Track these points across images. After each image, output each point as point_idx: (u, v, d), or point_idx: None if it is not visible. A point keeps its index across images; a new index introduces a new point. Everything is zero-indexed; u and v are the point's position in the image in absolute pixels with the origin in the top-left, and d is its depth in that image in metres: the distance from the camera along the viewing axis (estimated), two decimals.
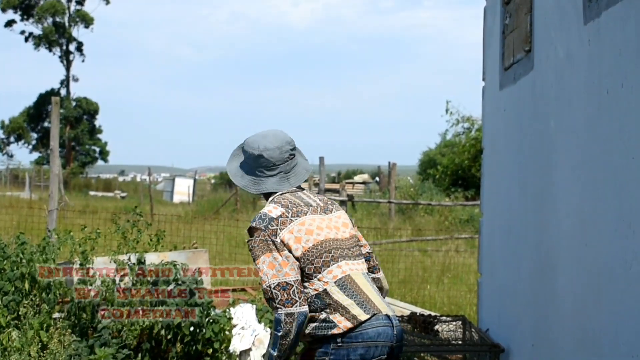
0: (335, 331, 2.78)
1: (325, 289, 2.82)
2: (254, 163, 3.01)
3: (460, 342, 5.19)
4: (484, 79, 5.91)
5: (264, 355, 2.87)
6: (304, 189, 3.08)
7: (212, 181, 47.46)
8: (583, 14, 3.40)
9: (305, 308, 2.76)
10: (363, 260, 3.02)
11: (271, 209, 2.90)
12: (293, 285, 2.76)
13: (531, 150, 4.39)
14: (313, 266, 2.83)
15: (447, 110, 26.41)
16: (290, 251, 2.82)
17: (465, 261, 12.62)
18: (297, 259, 2.83)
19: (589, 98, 3.33)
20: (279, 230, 2.84)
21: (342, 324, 2.78)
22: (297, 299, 2.75)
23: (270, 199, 3.00)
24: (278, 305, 2.76)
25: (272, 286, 2.76)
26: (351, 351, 2.77)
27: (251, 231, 2.87)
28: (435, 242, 15.22)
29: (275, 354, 2.78)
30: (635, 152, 2.79)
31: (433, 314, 6.26)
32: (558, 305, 3.79)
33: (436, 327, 5.42)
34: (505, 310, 5.02)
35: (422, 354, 5.52)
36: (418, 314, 5.68)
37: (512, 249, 4.83)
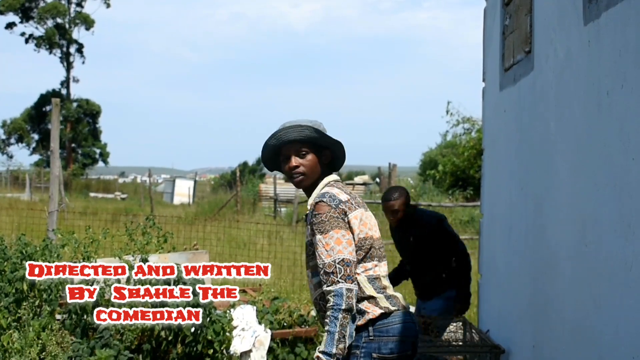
0: (368, 317, 2.85)
1: (357, 280, 2.89)
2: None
3: (460, 343, 5.19)
4: (484, 80, 5.91)
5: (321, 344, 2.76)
6: None
7: (212, 182, 47.47)
8: (583, 14, 3.40)
9: (355, 287, 2.77)
10: (386, 262, 3.10)
11: (338, 192, 2.92)
12: (353, 265, 2.79)
13: (531, 151, 4.39)
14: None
15: (447, 111, 26.39)
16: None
17: None
18: None
19: (589, 99, 3.34)
20: (348, 212, 2.88)
21: (371, 309, 2.87)
22: (354, 279, 2.78)
23: (326, 182, 3.00)
24: (340, 280, 2.75)
25: (337, 261, 2.77)
26: (382, 345, 2.86)
27: (319, 206, 2.87)
28: None
29: (337, 330, 2.70)
30: (635, 153, 2.79)
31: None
32: (558, 306, 3.79)
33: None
34: (506, 311, 5.02)
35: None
36: (418, 315, 5.68)
37: (513, 250, 4.83)
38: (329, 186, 2.98)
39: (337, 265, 2.76)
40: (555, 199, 3.89)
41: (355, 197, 3.01)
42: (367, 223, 2.95)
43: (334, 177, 3.05)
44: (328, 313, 2.74)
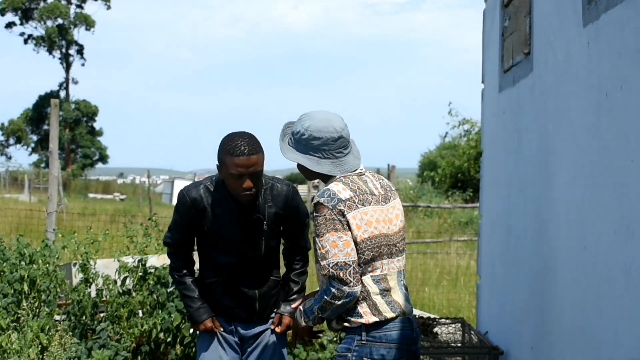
0: (362, 321, 2.84)
1: (361, 279, 2.87)
2: (333, 145, 2.93)
3: (459, 345, 5.19)
4: (483, 82, 5.91)
5: (303, 305, 3.03)
6: (366, 172, 3.02)
7: None
8: (582, 16, 3.40)
9: (357, 289, 2.82)
10: (404, 256, 3.04)
11: (340, 190, 2.87)
12: (351, 266, 2.80)
13: (530, 152, 4.39)
14: (363, 257, 2.85)
15: (449, 112, 26.35)
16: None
17: (464, 263, 12.62)
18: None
19: (588, 101, 3.34)
20: (346, 212, 2.82)
21: (368, 316, 2.85)
22: (352, 279, 2.80)
23: (337, 177, 2.94)
24: (333, 282, 2.80)
25: (331, 265, 2.79)
26: (374, 350, 2.85)
27: (318, 207, 2.85)
28: (434, 244, 15.23)
29: (315, 307, 2.89)
30: (634, 155, 2.79)
31: (432, 316, 6.26)
32: (557, 308, 3.79)
33: (435, 329, 5.42)
34: (505, 313, 5.02)
35: (421, 357, 5.52)
36: (417, 316, 5.68)
37: (512, 252, 4.83)
38: (336, 181, 2.92)
39: (331, 270, 2.79)
40: (554, 201, 3.89)
41: (365, 192, 2.90)
42: (372, 222, 2.86)
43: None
44: (319, 295, 2.90)
